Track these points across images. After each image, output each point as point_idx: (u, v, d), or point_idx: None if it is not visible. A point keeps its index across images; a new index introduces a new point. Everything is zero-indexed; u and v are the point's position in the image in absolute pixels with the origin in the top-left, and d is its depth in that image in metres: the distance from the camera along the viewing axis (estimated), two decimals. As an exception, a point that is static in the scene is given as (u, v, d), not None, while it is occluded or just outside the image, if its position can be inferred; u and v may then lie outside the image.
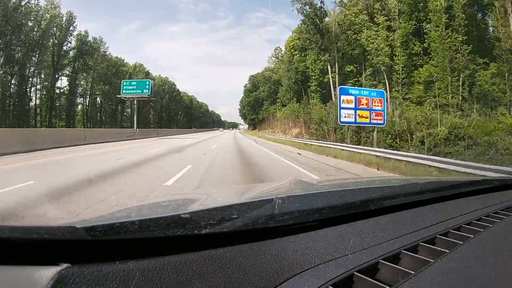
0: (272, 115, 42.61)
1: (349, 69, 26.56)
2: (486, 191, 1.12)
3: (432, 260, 0.49)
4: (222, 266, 0.43)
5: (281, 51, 47.26)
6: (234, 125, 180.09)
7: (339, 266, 0.47)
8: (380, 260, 0.49)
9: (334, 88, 25.54)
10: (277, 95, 42.69)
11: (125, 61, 53.98)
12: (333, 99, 24.19)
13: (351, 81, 25.63)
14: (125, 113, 57.54)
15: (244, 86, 65.15)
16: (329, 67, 27.47)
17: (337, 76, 26.75)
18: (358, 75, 26.16)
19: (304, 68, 32.67)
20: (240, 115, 76.40)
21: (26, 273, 0.36)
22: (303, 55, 33.86)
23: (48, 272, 0.34)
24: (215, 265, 0.42)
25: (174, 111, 76.54)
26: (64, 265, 0.35)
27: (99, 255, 0.39)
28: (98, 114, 49.73)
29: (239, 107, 72.74)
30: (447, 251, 0.54)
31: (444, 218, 0.74)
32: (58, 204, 3.26)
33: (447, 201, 0.94)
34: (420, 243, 0.57)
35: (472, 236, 0.62)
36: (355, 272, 0.45)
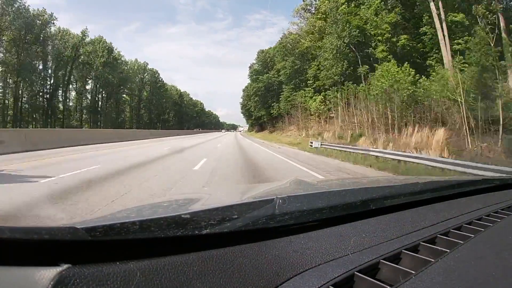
0: (300, 108, 27.28)
1: (456, 18, 15.46)
2: (487, 191, 1.12)
3: (433, 260, 0.49)
4: (222, 266, 0.43)
5: (315, 0, 29.00)
6: (233, 127, 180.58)
7: (339, 266, 0.47)
8: (381, 260, 0.49)
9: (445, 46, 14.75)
10: (305, 75, 26.55)
11: (54, 16, 34.88)
12: (447, 62, 14.32)
13: (458, 41, 15.18)
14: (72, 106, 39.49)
15: (250, 67, 45.95)
16: (432, 5, 15.60)
17: (444, 24, 15.06)
18: (469, 30, 14.94)
19: (360, 23, 19.54)
20: (242, 112, 58.09)
21: (26, 274, 0.36)
22: (352, 5, 21.15)
23: (49, 273, 0.34)
24: (215, 265, 0.42)
25: (157, 108, 59.36)
26: (65, 266, 0.35)
27: (99, 255, 0.39)
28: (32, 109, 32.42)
29: (241, 100, 55.93)
30: (448, 250, 0.54)
31: (444, 217, 0.74)
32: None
33: (447, 200, 0.94)
34: (421, 242, 0.57)
35: (472, 235, 0.62)
36: (355, 272, 0.45)
